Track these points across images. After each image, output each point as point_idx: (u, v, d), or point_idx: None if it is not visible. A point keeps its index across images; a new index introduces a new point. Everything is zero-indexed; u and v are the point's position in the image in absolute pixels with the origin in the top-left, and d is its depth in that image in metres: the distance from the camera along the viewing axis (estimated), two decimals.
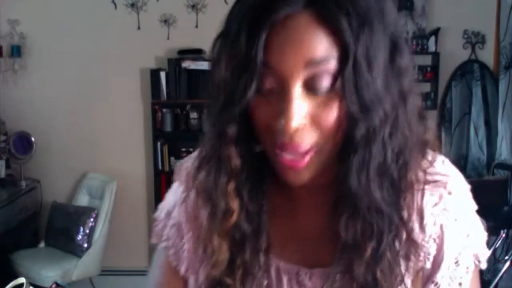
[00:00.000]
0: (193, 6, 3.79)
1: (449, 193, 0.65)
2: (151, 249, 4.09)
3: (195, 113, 3.69)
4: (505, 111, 3.66)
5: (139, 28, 3.82)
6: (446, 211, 0.65)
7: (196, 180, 0.68)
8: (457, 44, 3.79)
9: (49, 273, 3.19)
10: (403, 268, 0.63)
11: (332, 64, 0.55)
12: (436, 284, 0.65)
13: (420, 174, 0.63)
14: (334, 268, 0.65)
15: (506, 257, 3.37)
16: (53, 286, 0.84)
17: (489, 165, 3.81)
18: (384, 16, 0.57)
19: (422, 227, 0.64)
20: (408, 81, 0.60)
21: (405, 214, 0.63)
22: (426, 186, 0.64)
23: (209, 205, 0.66)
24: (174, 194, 0.78)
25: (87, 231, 3.43)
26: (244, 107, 0.59)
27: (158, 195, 3.79)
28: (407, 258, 0.63)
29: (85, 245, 3.41)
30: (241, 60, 0.57)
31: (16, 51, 3.79)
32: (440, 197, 0.65)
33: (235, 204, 0.65)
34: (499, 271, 3.30)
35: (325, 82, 0.56)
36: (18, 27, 3.82)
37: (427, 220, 0.64)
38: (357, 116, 0.56)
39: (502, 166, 3.67)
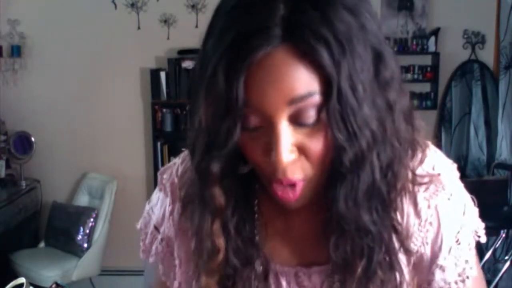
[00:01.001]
0: (193, 6, 3.79)
1: (439, 174, 0.65)
2: None
3: None
4: (505, 111, 3.66)
5: (139, 28, 3.82)
6: (438, 191, 0.65)
7: (182, 192, 0.67)
8: (457, 44, 3.79)
9: (49, 273, 3.19)
10: (399, 276, 0.63)
11: (315, 98, 0.53)
12: (441, 267, 0.65)
13: (410, 175, 0.63)
14: (331, 265, 0.65)
15: (506, 257, 3.37)
16: (53, 286, 0.84)
17: (489, 165, 3.81)
18: (364, 30, 0.54)
19: (417, 213, 0.65)
20: (394, 90, 0.58)
21: (398, 226, 0.63)
22: (416, 172, 0.64)
23: (195, 244, 0.65)
24: (161, 205, 0.75)
25: (87, 231, 3.43)
26: (230, 149, 0.57)
27: None
28: (407, 263, 0.64)
29: (85, 245, 3.41)
30: (221, 103, 0.54)
31: (16, 51, 3.79)
32: (430, 180, 0.65)
33: (221, 242, 0.63)
34: (499, 271, 3.31)
35: (310, 115, 0.55)
36: (18, 27, 3.82)
37: (421, 205, 0.65)
38: (344, 144, 0.55)
39: (502, 166, 3.68)
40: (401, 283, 0.64)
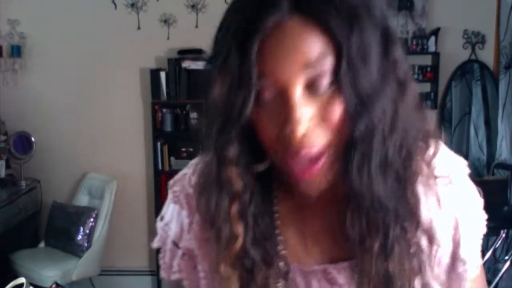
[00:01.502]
0: (193, 6, 3.79)
1: (457, 175, 0.68)
2: (151, 249, 4.10)
3: (195, 113, 3.69)
4: (505, 111, 3.66)
5: (139, 28, 3.82)
6: (459, 194, 0.68)
7: (200, 202, 0.66)
8: (457, 44, 3.79)
9: (49, 273, 3.19)
10: (421, 257, 0.64)
11: (328, 63, 0.55)
12: (462, 260, 0.67)
13: (425, 167, 0.64)
14: (358, 258, 0.65)
15: (506, 257, 3.37)
16: (53, 286, 0.84)
17: (489, 165, 3.81)
18: (373, 10, 0.56)
19: (441, 213, 0.67)
20: (404, 71, 0.59)
21: (415, 204, 0.63)
22: (440, 180, 0.66)
23: (213, 231, 0.64)
24: (177, 219, 0.73)
25: (87, 231, 3.43)
26: (245, 124, 0.57)
27: (158, 195, 3.79)
28: (425, 246, 0.64)
29: (85, 245, 3.41)
30: (235, 77, 0.55)
31: (16, 51, 3.79)
32: (450, 180, 0.67)
33: (239, 228, 0.62)
34: (499, 271, 3.31)
35: (324, 82, 0.55)
36: (18, 27, 3.82)
37: (444, 204, 0.67)
38: (356, 111, 0.55)
39: (502, 166, 3.68)
40: (421, 266, 0.64)
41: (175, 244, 0.73)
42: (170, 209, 0.74)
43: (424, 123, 0.63)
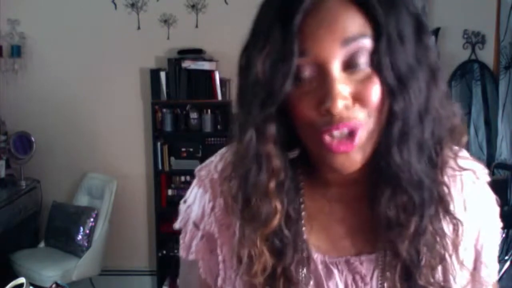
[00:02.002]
0: (193, 6, 3.79)
1: (480, 181, 0.71)
2: (151, 249, 4.11)
3: (195, 113, 3.69)
4: (505, 111, 3.66)
5: (139, 28, 3.82)
6: (483, 198, 0.71)
7: (225, 187, 0.68)
8: (457, 44, 3.79)
9: (49, 273, 3.19)
10: (446, 245, 0.65)
11: (366, 41, 0.57)
12: (485, 264, 0.70)
13: (452, 159, 0.66)
14: (380, 253, 0.67)
15: (506, 257, 3.37)
16: (53, 286, 0.84)
17: (489, 165, 3.81)
18: (405, 5, 0.60)
19: (466, 215, 0.68)
20: (435, 59, 0.62)
21: (444, 189, 0.65)
22: (464, 177, 0.68)
23: (247, 209, 0.65)
24: (200, 202, 0.74)
25: (87, 231, 3.43)
26: (284, 99, 0.59)
27: (158, 195, 3.79)
28: (452, 233, 0.66)
29: (85, 245, 3.41)
30: (277, 53, 0.58)
31: (16, 51, 3.79)
32: (476, 186, 0.70)
33: (278, 204, 0.64)
34: (499, 271, 3.30)
35: (362, 59, 0.58)
36: (18, 27, 3.82)
37: (469, 207, 0.69)
38: (394, 88, 0.58)
39: (502, 166, 3.67)
40: (445, 255, 0.65)
41: (196, 226, 0.74)
42: (193, 192, 0.75)
43: (453, 115, 0.65)
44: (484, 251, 0.70)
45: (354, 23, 0.57)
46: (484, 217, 0.71)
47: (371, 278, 0.67)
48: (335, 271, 0.68)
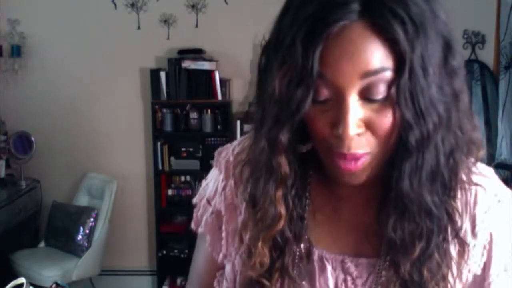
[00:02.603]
0: (193, 6, 3.79)
1: (499, 201, 0.68)
2: (151, 249, 4.11)
3: (195, 113, 3.69)
4: (505, 111, 3.66)
5: (139, 28, 3.82)
6: (496, 219, 0.67)
7: (237, 170, 0.72)
8: (457, 44, 3.79)
9: (49, 273, 3.19)
10: (452, 266, 0.65)
11: (387, 73, 0.56)
12: (492, 276, 0.68)
13: (467, 172, 0.65)
14: (380, 260, 0.67)
15: None
16: (53, 286, 0.84)
17: (489, 165, 3.80)
18: (437, 18, 0.58)
19: (474, 233, 0.67)
20: (460, 80, 0.60)
21: (456, 214, 0.64)
22: (478, 193, 0.67)
23: (254, 211, 0.67)
24: (215, 181, 0.78)
25: (87, 231, 3.43)
26: (301, 118, 0.59)
27: (158, 195, 3.79)
28: (457, 256, 0.66)
29: (85, 245, 3.41)
30: (296, 72, 0.57)
31: (16, 51, 3.78)
32: (491, 205, 0.67)
33: (283, 210, 0.65)
34: None
35: (380, 91, 0.57)
36: (18, 27, 3.82)
37: (479, 226, 0.67)
38: (412, 122, 0.57)
39: (502, 166, 3.67)
40: (447, 274, 0.65)
41: (208, 202, 0.78)
42: (212, 172, 0.80)
43: (473, 132, 0.64)
44: (491, 276, 0.68)
45: (376, 56, 0.55)
46: (499, 247, 0.68)
47: (365, 283, 0.67)
48: (329, 268, 0.69)
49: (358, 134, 0.58)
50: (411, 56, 0.55)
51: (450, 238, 0.64)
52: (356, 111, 0.57)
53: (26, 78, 3.86)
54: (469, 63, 3.85)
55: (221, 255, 0.75)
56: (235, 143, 0.79)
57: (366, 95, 0.57)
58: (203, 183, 0.81)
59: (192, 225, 0.80)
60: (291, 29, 0.57)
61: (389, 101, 0.57)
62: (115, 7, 3.81)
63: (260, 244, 0.66)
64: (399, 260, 0.64)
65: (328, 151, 0.61)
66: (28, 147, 3.72)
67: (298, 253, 0.68)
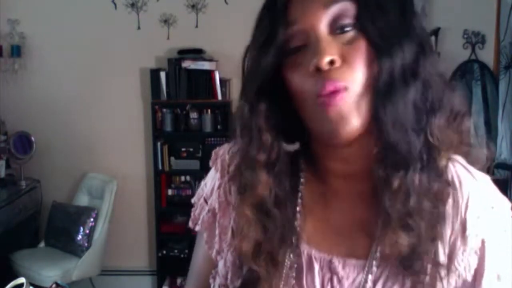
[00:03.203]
0: (193, 6, 3.79)
1: (492, 207, 0.67)
2: (151, 249, 4.11)
3: (195, 113, 3.69)
4: (505, 111, 3.66)
5: (139, 28, 3.82)
6: (489, 226, 0.66)
7: (231, 168, 0.73)
8: (457, 44, 3.79)
9: (49, 273, 3.19)
10: (439, 223, 0.65)
11: (348, 4, 0.62)
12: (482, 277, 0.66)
13: (456, 140, 0.67)
14: (370, 260, 0.66)
15: None
16: (53, 286, 0.84)
17: (489, 165, 3.81)
18: None
19: (463, 237, 0.66)
20: (424, 38, 0.64)
21: (448, 212, 0.65)
22: (470, 197, 0.66)
23: (239, 178, 0.70)
24: (212, 180, 0.80)
25: (87, 231, 3.43)
26: (272, 70, 0.64)
27: (158, 195, 3.79)
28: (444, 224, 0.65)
29: (85, 245, 3.41)
30: (265, 33, 0.64)
31: (16, 51, 3.79)
32: (483, 211, 0.66)
33: (264, 176, 0.67)
34: None
35: (346, 21, 0.62)
36: (18, 27, 3.82)
37: (469, 231, 0.66)
38: (380, 45, 0.61)
39: (502, 166, 3.67)
40: (438, 233, 0.65)
41: (205, 201, 0.80)
42: (210, 172, 0.82)
43: (451, 99, 0.66)
44: (482, 286, 0.66)
45: None
46: (491, 255, 0.66)
47: (351, 283, 0.67)
48: (316, 266, 0.69)
49: (334, 65, 0.61)
50: None
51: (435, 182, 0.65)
52: (327, 40, 0.62)
53: (26, 78, 3.86)
54: (469, 63, 3.85)
55: (214, 252, 0.76)
56: (231, 144, 0.79)
57: (334, 26, 0.62)
58: (202, 183, 0.83)
59: (190, 224, 0.81)
60: (260, 12, 0.67)
61: (358, 35, 0.62)
62: (115, 7, 3.81)
63: (248, 213, 0.68)
64: (387, 205, 0.64)
65: (312, 101, 0.63)
66: (28, 147, 3.72)
67: (286, 241, 0.69)
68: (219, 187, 0.77)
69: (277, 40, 0.63)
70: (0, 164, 3.63)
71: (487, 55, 3.81)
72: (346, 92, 0.61)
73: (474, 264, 0.66)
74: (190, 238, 3.77)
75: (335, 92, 0.61)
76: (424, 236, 0.63)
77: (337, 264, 0.68)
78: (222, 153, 0.80)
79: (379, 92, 0.62)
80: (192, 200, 0.83)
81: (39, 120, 3.85)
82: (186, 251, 3.79)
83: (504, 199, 0.69)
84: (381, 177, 0.64)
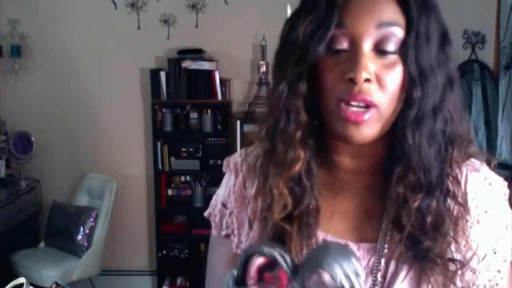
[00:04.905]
0: (193, 6, 3.79)
1: (490, 184, 0.72)
2: (151, 249, 4.10)
3: (195, 113, 3.69)
4: (505, 111, 3.66)
5: (139, 28, 3.82)
6: (487, 199, 0.71)
7: (244, 166, 0.78)
8: (457, 44, 3.75)
9: (49, 273, 3.19)
10: (451, 232, 0.68)
11: (398, 30, 0.65)
12: (472, 269, 0.69)
13: (460, 156, 0.71)
14: (381, 243, 0.70)
15: None
16: (53, 286, 0.84)
17: (488, 165, 3.81)
18: (437, 10, 0.68)
19: (466, 210, 0.69)
20: (453, 70, 0.69)
21: (450, 187, 0.69)
22: (469, 174, 0.71)
23: (273, 155, 0.71)
24: (226, 184, 0.83)
25: (87, 231, 3.43)
26: (315, 61, 0.66)
27: (158, 195, 3.79)
28: (455, 220, 0.68)
29: (85, 245, 3.41)
30: (318, 21, 0.65)
31: (16, 51, 3.78)
32: (482, 186, 0.72)
33: (301, 153, 0.70)
34: None
35: (391, 46, 0.65)
36: (18, 27, 3.82)
37: (470, 203, 0.70)
38: (415, 78, 0.65)
39: (502, 166, 3.67)
40: (449, 243, 0.68)
41: (224, 205, 0.81)
42: (224, 178, 0.84)
43: (464, 128, 0.71)
44: (475, 258, 0.70)
45: (391, 12, 0.64)
46: (487, 227, 0.71)
47: (366, 265, 0.70)
48: None
49: (368, 82, 0.64)
50: (418, 22, 0.64)
51: (449, 199, 0.68)
52: (369, 59, 0.64)
53: (26, 78, 3.86)
54: (469, 63, 3.84)
55: (234, 245, 0.78)
56: (242, 150, 0.84)
57: (378, 48, 0.64)
58: (214, 196, 0.85)
59: (214, 232, 0.82)
60: None
61: (398, 60, 0.65)
62: (115, 7, 3.81)
63: (281, 185, 0.70)
64: (401, 215, 0.67)
65: (336, 103, 0.65)
66: (28, 147, 3.72)
67: (312, 206, 0.71)
68: (234, 185, 0.80)
69: (329, 33, 0.65)
70: (0, 164, 3.63)
71: (487, 55, 3.81)
72: (374, 110, 0.65)
73: (475, 235, 0.69)
74: (190, 238, 3.78)
75: (362, 109, 0.64)
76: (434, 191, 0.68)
77: (352, 246, 0.71)
78: (233, 158, 0.83)
79: (409, 120, 0.66)
80: (205, 214, 0.84)
81: (39, 120, 3.85)
82: (186, 251, 3.79)
83: (499, 177, 0.74)
84: (400, 194, 0.68)
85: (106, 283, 3.81)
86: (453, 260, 0.67)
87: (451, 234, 0.68)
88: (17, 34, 3.82)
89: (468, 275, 0.69)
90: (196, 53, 3.67)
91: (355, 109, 0.64)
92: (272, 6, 3.50)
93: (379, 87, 0.64)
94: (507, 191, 0.73)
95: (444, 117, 0.68)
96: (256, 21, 3.66)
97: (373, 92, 0.64)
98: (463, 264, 0.68)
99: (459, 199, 0.69)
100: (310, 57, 0.65)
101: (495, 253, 0.70)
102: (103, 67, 3.84)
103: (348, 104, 0.64)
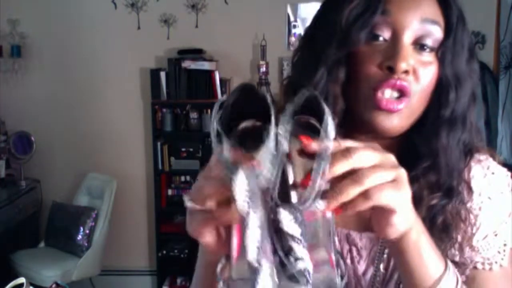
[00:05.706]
0: (193, 6, 3.79)
1: (493, 173, 0.75)
2: (151, 249, 4.10)
3: (195, 113, 3.69)
4: (505, 111, 3.66)
5: (139, 28, 3.82)
6: (491, 186, 0.73)
7: None
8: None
9: (49, 273, 3.19)
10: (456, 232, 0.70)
11: (438, 29, 0.66)
12: (472, 246, 0.71)
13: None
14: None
15: None
16: (53, 286, 0.84)
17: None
18: (467, 26, 0.69)
19: (469, 195, 0.71)
20: (476, 84, 0.70)
21: (465, 193, 0.71)
22: (472, 165, 0.73)
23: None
24: None
25: (87, 231, 3.43)
26: (356, 46, 0.66)
27: (158, 195, 3.79)
28: (462, 219, 0.70)
29: (85, 245, 3.41)
30: (363, 7, 0.65)
31: (16, 51, 3.78)
32: (485, 175, 0.74)
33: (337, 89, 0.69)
34: None
35: (430, 43, 0.66)
36: (18, 27, 3.82)
37: (474, 189, 0.72)
38: (451, 80, 0.66)
39: (502, 166, 3.67)
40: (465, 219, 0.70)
41: None
42: None
43: (478, 142, 0.74)
44: (476, 236, 0.71)
45: (435, 11, 0.66)
46: (491, 209, 0.72)
47: (369, 254, 0.72)
48: (335, 238, 0.72)
49: (406, 74, 0.64)
50: (457, 28, 0.66)
51: (461, 200, 0.70)
52: (408, 50, 0.65)
53: (26, 78, 3.86)
54: None
55: None
56: None
57: (418, 41, 0.65)
58: None
59: None
60: None
61: (434, 59, 0.66)
62: (115, 7, 3.81)
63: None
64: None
65: (370, 91, 0.65)
66: (28, 147, 3.72)
67: None
68: None
69: (374, 19, 0.65)
70: (0, 164, 3.63)
71: (487, 55, 3.81)
72: (407, 100, 0.65)
73: (478, 220, 0.71)
74: (190, 238, 3.75)
75: (395, 99, 0.65)
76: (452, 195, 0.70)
77: (355, 236, 0.73)
78: None
79: (444, 119, 0.67)
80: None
81: (39, 120, 3.85)
82: (186, 251, 3.78)
83: (502, 167, 0.77)
84: (416, 192, 0.66)
85: (106, 283, 3.81)
86: (454, 262, 0.68)
87: (458, 238, 0.69)
88: (17, 34, 3.82)
89: (467, 252, 0.71)
90: (196, 53, 3.67)
91: (389, 96, 0.65)
92: (272, 6, 3.50)
93: (416, 79, 0.65)
94: (511, 181, 0.75)
95: (468, 126, 0.70)
96: (256, 21, 3.66)
97: (410, 84, 0.65)
98: (464, 265, 0.69)
99: (468, 205, 0.70)
100: (351, 42, 0.65)
101: (496, 235, 0.71)
102: (103, 67, 3.84)
103: (383, 92, 0.64)
